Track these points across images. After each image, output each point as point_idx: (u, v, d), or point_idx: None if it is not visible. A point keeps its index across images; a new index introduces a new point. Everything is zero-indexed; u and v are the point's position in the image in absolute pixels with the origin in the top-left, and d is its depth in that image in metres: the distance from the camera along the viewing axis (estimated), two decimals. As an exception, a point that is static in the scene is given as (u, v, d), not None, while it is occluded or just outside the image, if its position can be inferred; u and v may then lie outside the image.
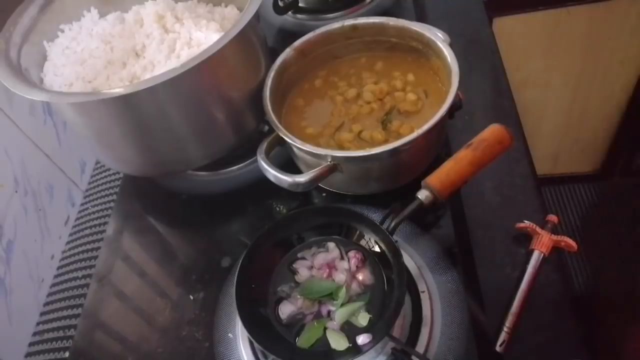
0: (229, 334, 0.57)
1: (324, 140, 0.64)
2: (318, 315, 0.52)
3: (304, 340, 0.50)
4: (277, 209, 0.68)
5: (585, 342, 0.49)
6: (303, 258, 0.56)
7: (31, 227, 0.69)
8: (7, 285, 0.63)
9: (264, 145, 0.60)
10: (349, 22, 0.70)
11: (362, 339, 0.49)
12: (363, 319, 0.50)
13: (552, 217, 0.57)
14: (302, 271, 0.54)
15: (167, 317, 0.62)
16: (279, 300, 0.53)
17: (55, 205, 0.75)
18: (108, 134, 0.63)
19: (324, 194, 0.68)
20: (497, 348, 0.49)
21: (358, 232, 0.56)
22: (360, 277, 0.53)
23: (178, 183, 0.76)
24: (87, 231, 0.75)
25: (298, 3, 0.91)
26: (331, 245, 0.56)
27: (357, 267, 0.53)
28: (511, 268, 0.55)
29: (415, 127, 0.58)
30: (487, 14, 0.86)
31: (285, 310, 0.52)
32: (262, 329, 0.51)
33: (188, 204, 0.74)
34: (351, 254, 0.55)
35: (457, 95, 0.58)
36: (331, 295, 0.52)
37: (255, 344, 0.52)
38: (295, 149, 0.61)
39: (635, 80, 1.26)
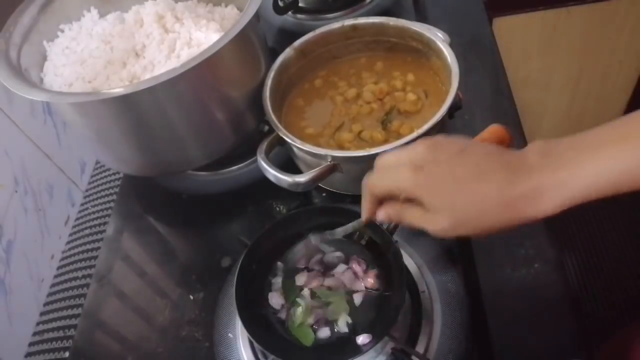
0: (229, 334, 0.57)
1: (324, 140, 0.64)
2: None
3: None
4: (277, 209, 0.68)
5: (585, 342, 0.49)
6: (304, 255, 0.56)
7: (31, 227, 0.69)
8: (7, 285, 0.63)
9: (264, 145, 0.60)
10: (349, 22, 0.70)
11: (362, 339, 0.49)
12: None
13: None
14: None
15: (167, 317, 0.62)
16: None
17: (55, 205, 0.75)
18: (108, 134, 0.63)
19: (324, 194, 0.68)
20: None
21: (358, 232, 0.56)
22: (360, 277, 0.53)
23: (178, 183, 0.76)
24: (87, 231, 0.75)
25: (298, 3, 0.91)
26: (332, 248, 0.56)
27: (358, 267, 0.53)
28: (511, 268, 0.55)
29: (415, 127, 0.58)
30: (487, 14, 0.86)
31: (277, 302, 0.52)
32: (262, 329, 0.51)
33: (188, 204, 0.74)
34: (355, 257, 0.54)
35: (457, 95, 0.58)
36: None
37: (255, 344, 0.52)
38: (295, 149, 0.61)
39: (635, 80, 1.26)
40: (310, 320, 0.50)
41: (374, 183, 0.44)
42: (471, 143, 0.41)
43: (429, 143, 0.41)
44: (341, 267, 0.53)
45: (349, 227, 0.51)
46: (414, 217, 0.41)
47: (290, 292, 0.52)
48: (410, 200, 0.41)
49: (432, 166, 0.39)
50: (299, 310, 0.51)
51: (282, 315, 0.52)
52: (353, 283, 0.52)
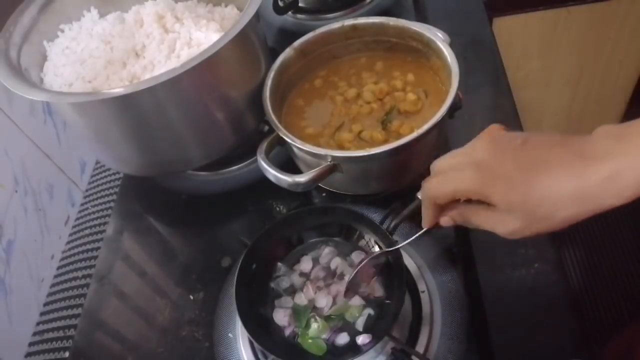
0: (229, 334, 0.57)
1: (324, 140, 0.64)
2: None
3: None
4: (277, 209, 0.68)
5: (585, 342, 0.49)
6: (305, 254, 0.56)
7: (31, 227, 0.69)
8: (7, 285, 0.63)
9: (264, 145, 0.60)
10: (349, 22, 0.70)
11: (362, 339, 0.49)
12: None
13: None
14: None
15: (167, 317, 0.62)
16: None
17: (55, 205, 0.75)
18: (108, 134, 0.63)
19: (324, 194, 0.68)
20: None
21: (358, 232, 0.56)
22: (366, 282, 0.53)
23: (178, 183, 0.76)
24: (87, 231, 0.75)
25: (298, 3, 0.91)
26: (332, 249, 0.56)
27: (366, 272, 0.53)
28: (511, 268, 0.55)
29: (415, 127, 0.58)
30: (487, 14, 0.86)
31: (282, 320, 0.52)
32: (262, 329, 0.51)
33: (188, 204, 0.74)
34: (356, 258, 0.54)
35: (457, 95, 0.58)
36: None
37: (255, 344, 0.52)
38: (295, 149, 0.61)
39: (635, 80, 1.26)
40: (325, 335, 0.50)
41: (436, 190, 0.41)
42: (531, 134, 0.38)
43: (488, 139, 0.39)
44: (347, 278, 0.53)
45: (412, 239, 0.49)
46: (481, 219, 0.39)
47: (302, 315, 0.52)
48: (473, 200, 0.39)
49: (496, 162, 0.37)
50: (314, 326, 0.50)
51: (288, 332, 0.51)
52: (358, 287, 0.52)
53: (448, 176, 0.40)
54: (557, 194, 0.35)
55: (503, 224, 0.38)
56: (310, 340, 0.50)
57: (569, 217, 0.35)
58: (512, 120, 0.69)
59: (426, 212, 0.44)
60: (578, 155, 0.35)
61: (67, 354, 0.62)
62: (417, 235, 0.48)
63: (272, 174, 0.58)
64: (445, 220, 0.43)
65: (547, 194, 0.35)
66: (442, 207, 0.43)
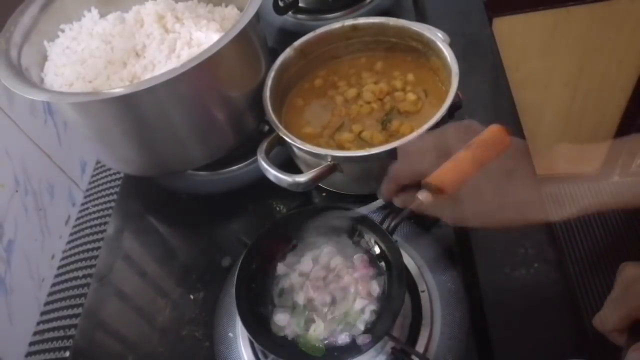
0: (229, 334, 0.57)
1: (324, 140, 0.64)
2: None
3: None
4: (277, 209, 0.69)
5: (585, 342, 0.49)
6: (305, 254, 0.56)
7: (32, 226, 0.69)
8: (8, 285, 0.63)
9: (264, 145, 0.61)
10: (349, 22, 0.70)
11: (361, 339, 0.49)
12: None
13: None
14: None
15: (167, 316, 0.62)
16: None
17: (55, 205, 0.75)
18: (108, 134, 0.63)
19: (324, 194, 0.68)
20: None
21: (358, 232, 0.56)
22: (367, 282, 0.53)
23: (178, 183, 0.76)
24: (88, 231, 0.75)
25: (298, 3, 0.91)
26: (332, 249, 0.56)
27: (364, 272, 0.53)
28: (511, 268, 0.55)
29: (415, 127, 0.58)
30: (487, 14, 0.86)
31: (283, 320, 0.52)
32: (262, 328, 0.51)
33: (188, 204, 0.74)
34: (356, 257, 0.54)
35: (457, 95, 0.58)
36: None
37: (255, 344, 0.52)
38: (295, 149, 0.61)
39: (634, 80, 1.26)
40: (325, 335, 0.50)
41: (397, 172, 0.45)
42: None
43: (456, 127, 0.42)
44: (347, 277, 0.53)
45: (372, 206, 0.53)
46: (431, 208, 0.43)
47: (301, 315, 0.51)
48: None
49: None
50: (314, 326, 0.50)
51: (288, 332, 0.51)
52: (358, 288, 0.52)
53: (410, 160, 0.45)
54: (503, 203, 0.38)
55: (449, 213, 0.42)
56: (310, 340, 0.50)
57: (512, 219, 0.39)
58: (512, 120, 0.69)
59: (383, 186, 0.47)
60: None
61: (67, 354, 0.62)
62: (374, 204, 0.53)
63: (272, 174, 0.59)
64: (397, 201, 0.47)
65: (503, 197, 0.39)
66: (401, 188, 0.46)
